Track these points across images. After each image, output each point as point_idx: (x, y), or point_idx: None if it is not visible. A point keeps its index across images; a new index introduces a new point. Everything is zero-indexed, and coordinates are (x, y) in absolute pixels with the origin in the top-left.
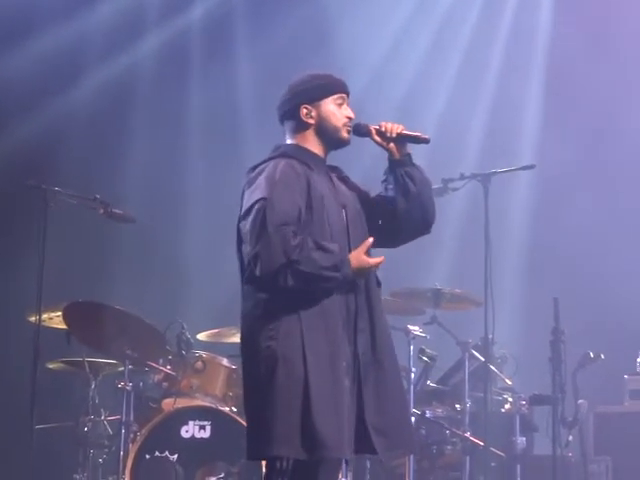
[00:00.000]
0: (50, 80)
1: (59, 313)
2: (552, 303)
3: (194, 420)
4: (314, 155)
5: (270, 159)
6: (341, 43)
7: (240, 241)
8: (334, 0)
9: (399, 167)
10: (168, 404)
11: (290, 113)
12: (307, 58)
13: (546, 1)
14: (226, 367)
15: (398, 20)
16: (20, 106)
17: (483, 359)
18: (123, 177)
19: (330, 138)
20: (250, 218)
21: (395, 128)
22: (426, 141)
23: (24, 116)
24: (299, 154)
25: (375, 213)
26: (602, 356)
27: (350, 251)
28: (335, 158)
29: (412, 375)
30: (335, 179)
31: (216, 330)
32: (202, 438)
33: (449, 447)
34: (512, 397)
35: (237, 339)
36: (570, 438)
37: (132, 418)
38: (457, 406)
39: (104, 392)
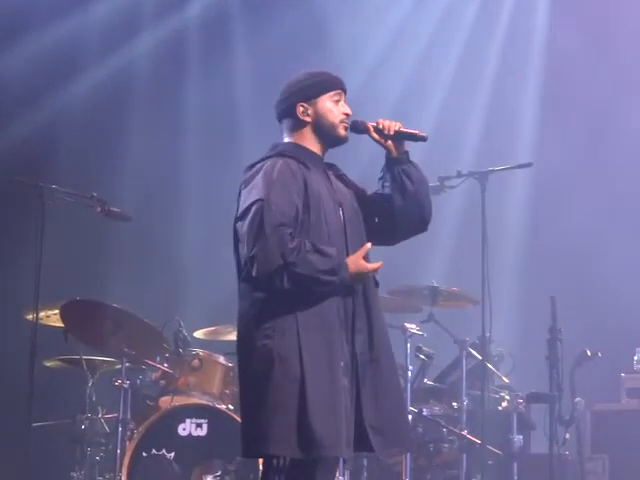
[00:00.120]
0: (47, 78)
1: (56, 311)
2: (549, 301)
3: (191, 418)
4: (311, 153)
5: (267, 158)
6: (338, 41)
7: (237, 241)
8: None
9: (396, 165)
10: (165, 402)
11: (287, 111)
12: (305, 56)
13: (543, 0)
14: (223, 365)
15: (395, 18)
16: (17, 104)
17: (480, 357)
18: (120, 175)
19: (327, 135)
20: (247, 219)
21: (393, 125)
22: (424, 139)
23: (21, 114)
24: (296, 153)
25: (372, 211)
26: (599, 354)
27: (347, 250)
28: (333, 156)
29: (409, 373)
30: (332, 177)
31: (213, 328)
32: (199, 436)
33: (446, 445)
34: (509, 395)
35: (234, 337)
36: (567, 436)
37: (129, 416)
38: (454, 404)
39: (101, 390)
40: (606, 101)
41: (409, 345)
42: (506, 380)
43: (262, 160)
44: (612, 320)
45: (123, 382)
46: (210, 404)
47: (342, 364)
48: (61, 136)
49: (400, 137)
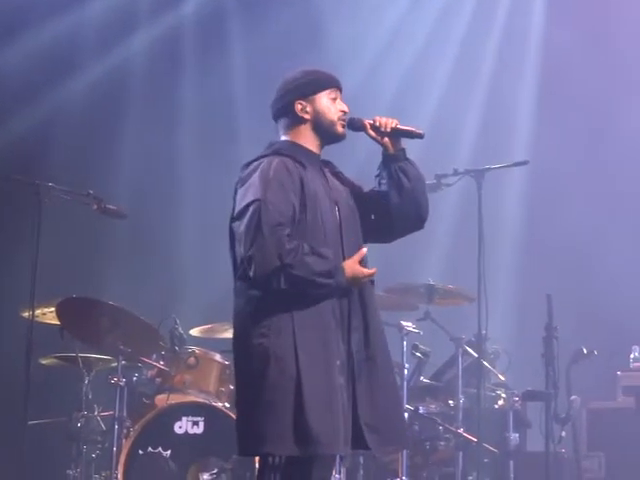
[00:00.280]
0: (43, 76)
1: (52, 309)
2: (545, 299)
3: (187, 416)
4: (308, 151)
5: (263, 156)
6: (335, 39)
7: (233, 239)
8: None
9: (393, 162)
10: (161, 400)
11: (284, 109)
12: (301, 54)
13: None
14: (219, 363)
15: (392, 17)
16: (13, 102)
17: (476, 355)
18: (116, 173)
19: (326, 133)
20: (245, 219)
21: (390, 123)
22: (420, 136)
23: (17, 112)
24: (293, 151)
25: (368, 208)
26: (595, 352)
27: (343, 248)
28: (329, 153)
29: (405, 371)
30: (328, 175)
31: (209, 326)
32: (195, 434)
33: (442, 443)
34: (505, 393)
35: (230, 334)
36: (563, 434)
37: (125, 414)
38: (450, 402)
39: (97, 388)
40: (603, 99)
41: (405, 343)
42: (502, 378)
43: (258, 159)
44: (608, 318)
45: (119, 380)
46: (206, 402)
47: (338, 363)
48: (57, 133)
49: (397, 134)
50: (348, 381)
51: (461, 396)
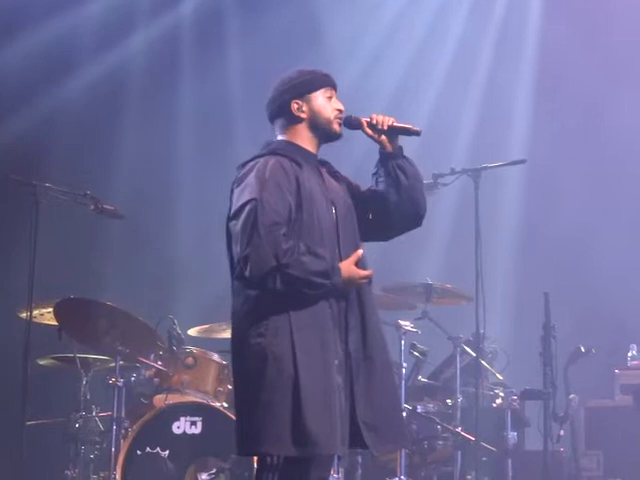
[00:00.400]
0: (41, 76)
1: (50, 309)
2: (543, 298)
3: (185, 416)
4: (305, 151)
5: (259, 156)
6: (333, 38)
7: (230, 239)
8: None
9: (390, 159)
10: (159, 400)
11: (280, 109)
12: (299, 53)
13: None
14: (217, 363)
15: (389, 15)
16: (10, 102)
17: (474, 354)
18: (114, 173)
19: (322, 131)
20: (241, 219)
21: (386, 120)
22: (417, 133)
23: (15, 112)
24: (289, 151)
25: (366, 207)
26: (593, 351)
27: (340, 248)
28: (327, 152)
29: (403, 370)
30: (325, 174)
31: (207, 326)
32: (193, 434)
33: (440, 442)
34: (503, 392)
35: (228, 334)
36: (561, 433)
37: (123, 414)
38: (448, 401)
39: (95, 388)
40: (600, 96)
41: (403, 342)
42: (500, 377)
43: (254, 158)
44: (606, 317)
45: (117, 380)
46: (204, 402)
47: (336, 362)
48: (55, 134)
49: (394, 132)
50: (346, 381)
51: (459, 395)
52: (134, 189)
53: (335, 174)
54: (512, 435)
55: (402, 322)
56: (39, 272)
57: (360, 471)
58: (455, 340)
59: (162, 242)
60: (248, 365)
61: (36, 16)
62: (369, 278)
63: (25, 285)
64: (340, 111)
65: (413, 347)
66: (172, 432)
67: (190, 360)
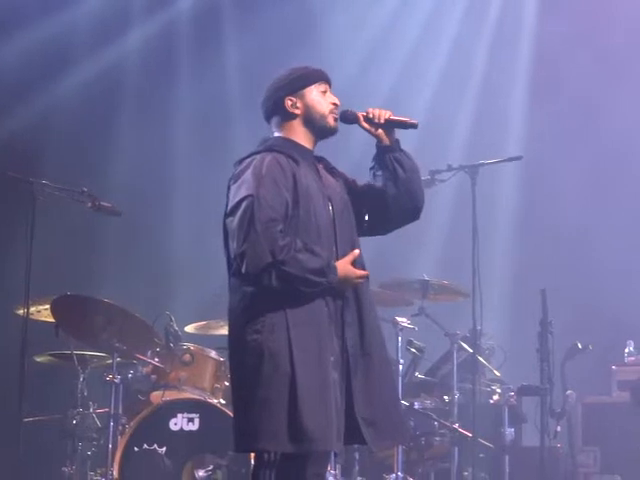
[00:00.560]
0: (38, 73)
1: (47, 306)
2: (540, 294)
3: (183, 413)
4: (301, 147)
5: (256, 153)
6: (330, 35)
7: (227, 236)
8: None
9: (388, 153)
10: (156, 397)
11: (275, 107)
12: (296, 50)
13: None
14: (214, 359)
15: (386, 12)
16: (7, 99)
17: (471, 350)
18: (111, 170)
19: (318, 126)
20: (237, 215)
21: (383, 114)
22: (414, 126)
23: (11, 109)
24: (285, 147)
25: (363, 202)
26: (590, 347)
27: (337, 245)
28: (323, 148)
29: (400, 367)
30: (322, 170)
31: (204, 322)
32: (191, 430)
33: (438, 438)
34: (500, 388)
35: (225, 331)
36: (558, 429)
37: (120, 411)
38: (445, 397)
39: (92, 385)
40: (595, 93)
41: (400, 339)
42: (497, 373)
43: (251, 155)
44: (603, 313)
45: (114, 377)
46: (202, 399)
47: (332, 358)
48: (51, 131)
49: (390, 125)
50: (342, 376)
51: (456, 391)
52: (131, 186)
53: (332, 170)
54: (509, 431)
55: (399, 318)
56: (36, 269)
57: (357, 467)
58: (452, 336)
59: (159, 239)
60: (244, 361)
61: (32, 13)
62: (365, 279)
63: (22, 282)
64: (335, 105)
65: (410, 343)
66: (169, 429)
67: (187, 357)
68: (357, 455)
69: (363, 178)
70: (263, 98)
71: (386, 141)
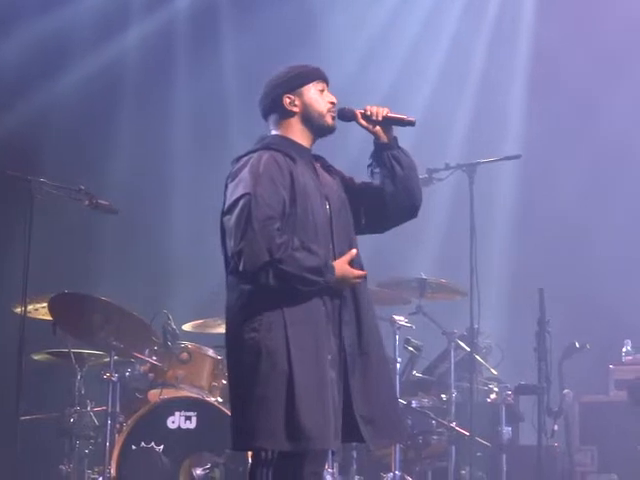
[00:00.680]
0: (36, 70)
1: (45, 304)
2: (537, 293)
3: (180, 411)
4: (299, 145)
5: (253, 151)
6: (328, 33)
7: (224, 234)
8: None
9: (385, 150)
10: (154, 395)
11: (273, 105)
12: (294, 49)
13: None
14: (212, 358)
15: (384, 10)
16: (5, 96)
17: (469, 349)
18: (108, 168)
19: (316, 125)
20: (235, 213)
21: (381, 111)
22: (412, 123)
23: (9, 106)
24: (283, 145)
25: (361, 200)
26: (588, 346)
27: (333, 243)
28: (321, 146)
29: (397, 365)
30: (319, 169)
31: (201, 321)
32: (188, 429)
33: (435, 437)
34: (498, 387)
35: (222, 329)
36: (556, 428)
37: (118, 409)
38: (443, 396)
39: (90, 383)
40: (594, 91)
41: (397, 337)
42: (494, 372)
43: (248, 153)
44: (601, 312)
45: (112, 375)
46: (199, 397)
47: (329, 357)
48: (49, 129)
49: (388, 122)
50: (340, 375)
51: (454, 390)
52: (129, 184)
53: (329, 168)
54: (506, 430)
55: (396, 317)
56: (34, 267)
57: (355, 466)
58: (449, 335)
59: (157, 237)
60: (242, 360)
61: (31, 10)
62: (362, 279)
63: (20, 280)
64: (333, 104)
65: (407, 342)
66: (167, 427)
67: (185, 355)
68: (355, 454)
69: (361, 176)
70: (261, 95)
71: (384, 138)
